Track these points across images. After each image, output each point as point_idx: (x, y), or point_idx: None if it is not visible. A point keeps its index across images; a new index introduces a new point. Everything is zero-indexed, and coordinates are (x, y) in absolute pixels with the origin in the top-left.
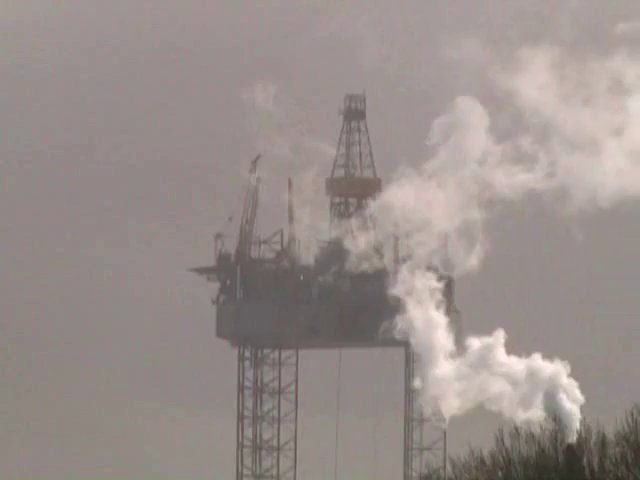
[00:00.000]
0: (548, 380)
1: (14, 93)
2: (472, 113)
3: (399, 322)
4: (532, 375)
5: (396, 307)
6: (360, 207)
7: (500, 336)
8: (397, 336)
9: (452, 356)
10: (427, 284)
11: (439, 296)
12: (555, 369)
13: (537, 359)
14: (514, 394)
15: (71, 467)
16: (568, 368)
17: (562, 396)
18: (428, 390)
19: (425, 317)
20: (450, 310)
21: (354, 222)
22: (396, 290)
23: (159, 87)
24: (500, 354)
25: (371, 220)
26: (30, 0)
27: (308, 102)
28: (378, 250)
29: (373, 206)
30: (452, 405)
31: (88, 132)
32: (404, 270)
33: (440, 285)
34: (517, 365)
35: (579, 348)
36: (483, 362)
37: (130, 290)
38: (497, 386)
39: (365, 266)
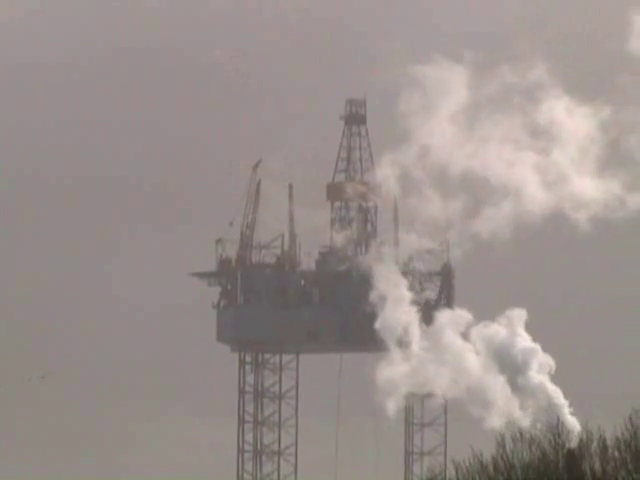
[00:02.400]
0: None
1: (11, 96)
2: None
3: (370, 296)
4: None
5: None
6: (361, 211)
7: (463, 316)
8: (367, 309)
9: (410, 344)
10: (397, 257)
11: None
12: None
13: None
14: (465, 383)
15: (72, 470)
16: (524, 317)
17: (516, 353)
18: (384, 382)
19: (393, 294)
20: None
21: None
22: (364, 264)
23: (160, 92)
24: (448, 338)
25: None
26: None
27: (309, 107)
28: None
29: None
30: (398, 400)
31: (88, 137)
32: (373, 246)
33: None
34: (466, 350)
35: (580, 354)
36: (432, 352)
37: (131, 294)
38: (444, 377)
39: (343, 265)
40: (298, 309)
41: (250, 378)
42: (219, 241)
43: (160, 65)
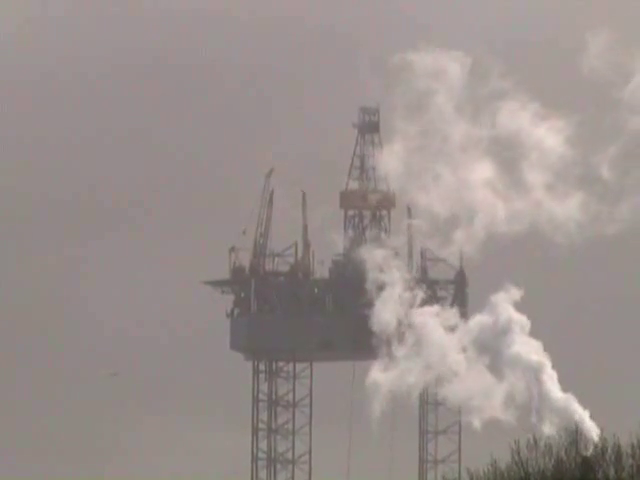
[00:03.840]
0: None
1: (15, 98)
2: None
3: (367, 289)
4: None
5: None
6: (374, 220)
7: (453, 314)
8: (361, 300)
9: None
10: (411, 266)
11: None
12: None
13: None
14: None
15: (76, 475)
16: (518, 295)
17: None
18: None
19: (388, 279)
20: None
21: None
22: (358, 256)
23: (173, 99)
24: (433, 335)
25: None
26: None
27: (322, 114)
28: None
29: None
30: (382, 403)
31: (100, 143)
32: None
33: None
34: (451, 346)
35: (592, 361)
36: (417, 352)
37: (145, 302)
38: (428, 376)
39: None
40: (311, 317)
41: (264, 386)
42: (232, 249)
43: (175, 73)
